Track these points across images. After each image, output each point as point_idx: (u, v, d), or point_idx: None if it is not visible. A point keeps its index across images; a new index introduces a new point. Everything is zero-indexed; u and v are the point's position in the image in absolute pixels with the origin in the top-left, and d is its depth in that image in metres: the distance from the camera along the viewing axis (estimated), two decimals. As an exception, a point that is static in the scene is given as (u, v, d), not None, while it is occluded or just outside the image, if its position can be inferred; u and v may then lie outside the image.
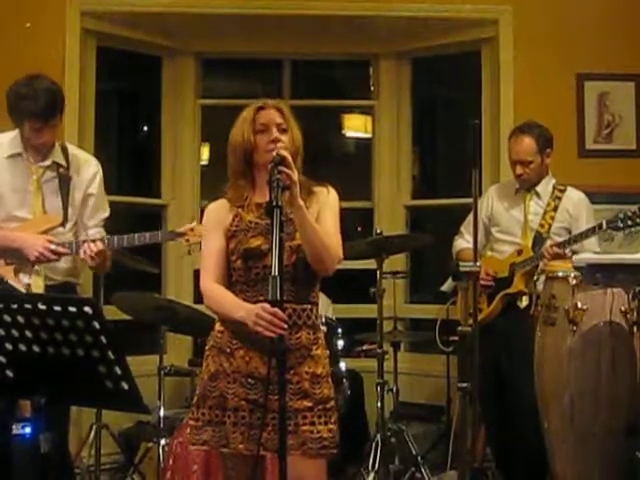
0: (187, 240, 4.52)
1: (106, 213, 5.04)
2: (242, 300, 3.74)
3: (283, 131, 3.80)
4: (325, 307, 5.79)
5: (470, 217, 5.56)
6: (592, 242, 5.31)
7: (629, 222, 4.96)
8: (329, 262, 3.70)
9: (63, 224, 4.85)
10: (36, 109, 4.69)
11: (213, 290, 3.81)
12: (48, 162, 4.90)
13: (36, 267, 4.75)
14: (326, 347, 3.92)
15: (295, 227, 3.72)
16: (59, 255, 4.69)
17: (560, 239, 5.42)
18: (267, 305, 3.34)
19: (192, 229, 4.48)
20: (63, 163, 4.93)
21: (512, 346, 5.06)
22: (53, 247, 4.66)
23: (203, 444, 3.86)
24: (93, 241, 4.69)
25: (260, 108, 3.86)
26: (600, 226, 5.15)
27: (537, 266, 5.29)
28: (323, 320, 4.50)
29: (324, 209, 3.83)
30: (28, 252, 4.65)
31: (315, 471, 3.71)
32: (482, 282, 5.35)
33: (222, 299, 3.78)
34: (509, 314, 5.45)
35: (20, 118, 4.76)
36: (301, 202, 3.54)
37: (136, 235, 4.64)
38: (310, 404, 3.68)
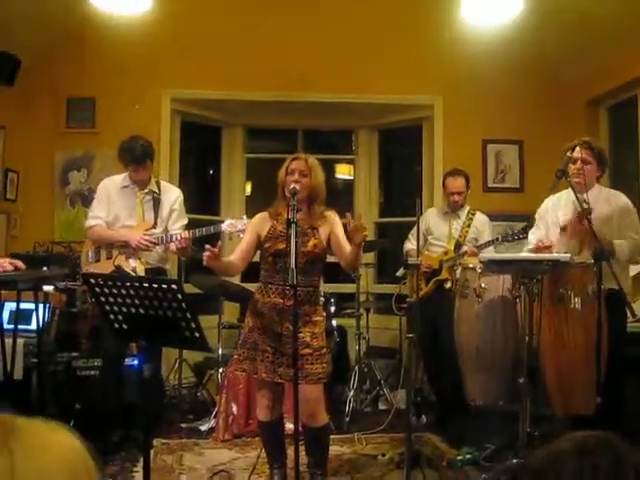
0: (229, 231, 4.56)
1: (185, 221, 5.07)
2: (266, 284, 3.78)
3: (304, 175, 3.78)
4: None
5: (414, 229, 5.58)
6: (491, 248, 5.32)
7: (514, 237, 5.05)
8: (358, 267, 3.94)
9: (154, 227, 4.89)
10: (132, 158, 4.77)
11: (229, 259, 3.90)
12: (147, 190, 4.96)
13: (138, 256, 4.79)
14: (323, 313, 3.93)
15: (308, 238, 3.73)
16: (150, 244, 4.76)
17: (471, 245, 5.45)
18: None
19: (232, 224, 4.51)
20: (157, 191, 4.98)
21: (441, 312, 5.05)
22: (146, 238, 4.75)
23: (243, 371, 3.91)
24: (181, 233, 4.79)
25: (294, 158, 3.87)
26: (497, 239, 5.26)
27: (456, 262, 5.30)
28: (322, 294, 4.46)
29: (336, 229, 3.87)
30: (131, 242, 4.75)
31: (314, 392, 3.71)
32: (424, 270, 5.37)
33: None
34: (439, 292, 5.43)
35: (125, 163, 4.86)
36: (361, 244, 3.62)
37: (204, 228, 4.73)
38: (310, 351, 3.69)
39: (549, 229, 4.45)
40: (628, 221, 4.23)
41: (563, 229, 4.28)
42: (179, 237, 4.72)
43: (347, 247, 3.76)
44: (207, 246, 3.64)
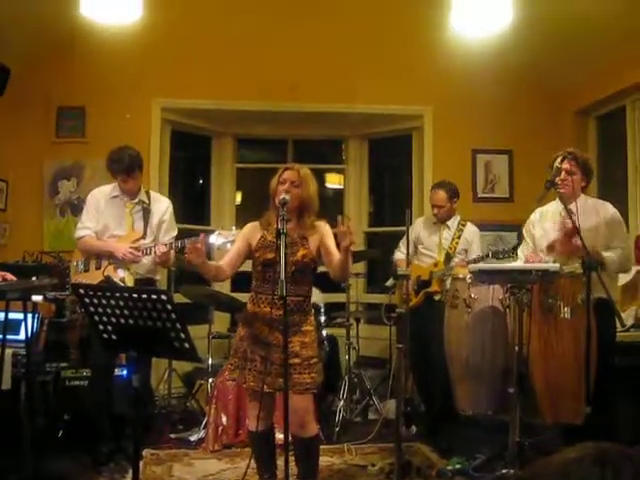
0: (217, 242, 4.53)
1: (174, 233, 5.05)
2: (257, 293, 3.77)
3: (295, 186, 3.78)
4: (317, 296, 5.75)
5: (405, 238, 5.59)
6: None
7: (505, 255, 5.09)
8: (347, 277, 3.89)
9: (144, 237, 4.88)
10: (120, 168, 4.78)
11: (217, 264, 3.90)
12: (136, 200, 4.96)
13: (127, 266, 4.78)
14: (314, 323, 3.91)
15: (297, 247, 3.73)
16: (136, 256, 4.74)
17: (461, 256, 5.51)
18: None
19: (220, 234, 4.48)
20: (146, 201, 4.98)
21: (430, 323, 5.05)
22: (131, 251, 4.72)
23: (233, 380, 3.91)
24: (159, 246, 4.77)
25: (286, 168, 3.87)
26: (488, 255, 5.28)
27: (446, 275, 5.32)
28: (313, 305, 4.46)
29: (326, 239, 3.84)
30: (117, 254, 4.74)
31: (302, 402, 3.68)
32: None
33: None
34: (428, 303, 5.44)
35: (113, 174, 4.87)
36: (351, 249, 3.59)
37: (186, 240, 4.57)
38: (299, 361, 3.68)
39: (536, 241, 4.46)
40: (616, 231, 4.25)
41: (550, 249, 4.28)
42: (158, 252, 4.72)
43: (337, 257, 3.75)
44: (188, 240, 3.62)
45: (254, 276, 3.86)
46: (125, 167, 4.80)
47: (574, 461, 1.21)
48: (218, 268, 3.85)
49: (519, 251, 4.65)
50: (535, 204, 4.49)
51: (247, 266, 3.99)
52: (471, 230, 5.67)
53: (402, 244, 5.79)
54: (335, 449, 5.05)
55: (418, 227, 5.78)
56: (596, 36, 5.69)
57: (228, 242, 4.31)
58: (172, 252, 4.80)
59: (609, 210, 4.31)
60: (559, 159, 4.25)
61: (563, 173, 4.23)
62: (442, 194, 5.57)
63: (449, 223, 5.65)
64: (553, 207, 4.38)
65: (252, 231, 3.93)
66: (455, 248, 5.57)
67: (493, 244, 6.66)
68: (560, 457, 1.24)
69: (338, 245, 3.73)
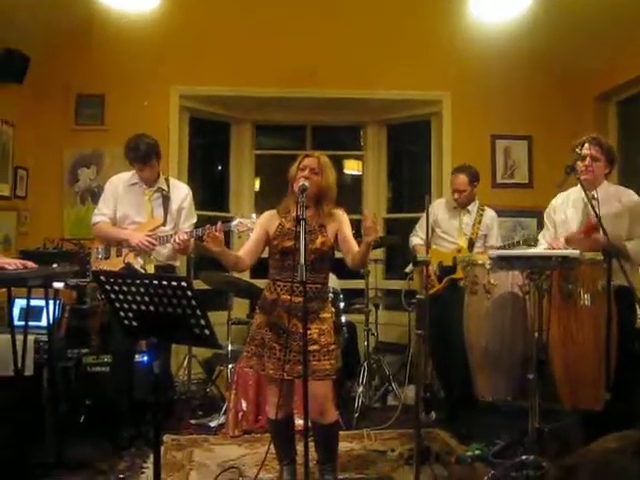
0: (238, 230, 4.53)
1: (194, 220, 5.07)
2: (275, 281, 3.78)
3: (315, 173, 3.78)
4: (333, 282, 5.75)
5: (422, 220, 5.60)
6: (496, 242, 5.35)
7: (531, 243, 4.96)
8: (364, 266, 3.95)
9: (164, 224, 4.91)
10: (137, 156, 4.79)
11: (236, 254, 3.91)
12: (155, 187, 4.97)
13: (148, 254, 4.82)
14: (332, 309, 3.92)
15: (316, 235, 3.73)
16: (151, 244, 4.76)
17: (482, 241, 5.48)
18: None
19: (241, 223, 4.48)
20: (165, 188, 5.00)
21: (452, 308, 5.00)
22: (147, 239, 4.76)
23: (251, 368, 3.91)
24: (180, 234, 4.78)
25: (306, 156, 3.87)
26: (519, 242, 5.17)
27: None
28: (331, 291, 4.46)
29: (344, 227, 3.87)
30: (132, 241, 4.78)
31: (322, 388, 3.70)
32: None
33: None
34: (452, 289, 5.39)
35: (130, 162, 4.89)
36: (372, 244, 3.64)
37: (206, 227, 4.52)
38: (317, 347, 3.69)
39: (558, 227, 4.43)
40: (638, 220, 4.18)
41: (568, 241, 4.23)
42: (176, 239, 4.73)
43: (354, 246, 3.77)
44: (207, 227, 3.62)
45: (271, 264, 3.86)
46: (141, 155, 4.81)
47: (615, 451, 1.21)
48: (238, 257, 3.85)
49: (540, 236, 4.62)
50: (555, 190, 4.45)
51: (266, 252, 3.99)
52: (490, 215, 5.64)
53: (419, 228, 5.76)
54: (354, 435, 5.07)
55: (437, 210, 5.70)
56: (616, 20, 5.62)
57: (248, 231, 4.33)
58: (192, 240, 4.81)
59: (632, 198, 4.25)
60: (582, 145, 4.18)
61: (587, 159, 4.16)
62: (463, 178, 5.54)
63: (469, 208, 5.61)
64: (576, 193, 4.31)
65: (269, 219, 3.92)
66: (477, 234, 5.54)
67: (512, 230, 6.65)
68: (600, 446, 1.24)
69: (356, 234, 3.73)
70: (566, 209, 4.40)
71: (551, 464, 3.71)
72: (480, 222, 5.56)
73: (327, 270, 3.87)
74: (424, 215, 4.89)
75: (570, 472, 1.27)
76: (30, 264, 3.97)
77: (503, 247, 5.30)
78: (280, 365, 3.68)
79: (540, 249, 4.44)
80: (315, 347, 3.67)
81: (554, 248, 4.17)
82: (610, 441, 1.25)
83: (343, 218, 3.89)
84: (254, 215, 4.44)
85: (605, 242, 3.80)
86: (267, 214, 3.97)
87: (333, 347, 3.77)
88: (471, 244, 5.50)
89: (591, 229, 3.96)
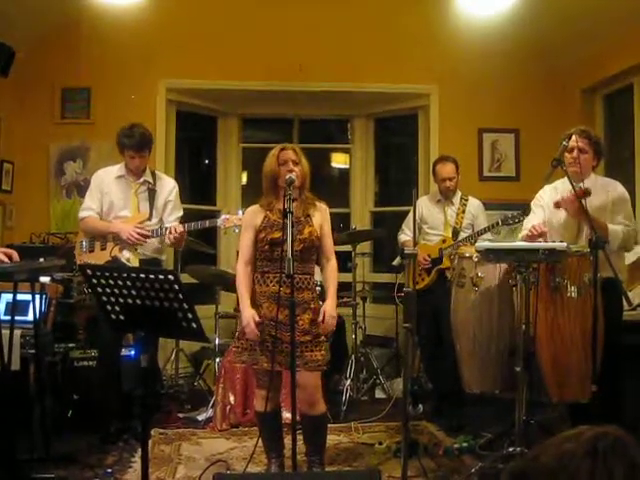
0: (224, 226, 4.55)
1: (180, 213, 5.06)
2: (263, 273, 3.78)
3: (296, 164, 3.81)
4: (317, 274, 5.74)
5: (408, 217, 5.59)
6: (488, 234, 5.32)
7: (514, 220, 4.96)
8: None
9: (149, 219, 4.90)
10: (131, 143, 4.77)
11: (240, 273, 3.86)
12: (141, 180, 4.98)
13: (134, 247, 4.81)
14: (319, 302, 3.94)
15: (303, 225, 3.76)
16: (143, 237, 4.76)
17: (468, 231, 5.47)
18: None
19: (227, 219, 4.49)
20: (151, 181, 4.99)
21: (442, 301, 4.99)
22: (138, 231, 4.75)
23: (242, 363, 3.91)
24: (176, 226, 4.77)
25: (282, 149, 3.89)
26: (498, 223, 5.20)
27: (456, 250, 5.26)
28: (318, 283, 4.47)
29: (325, 225, 3.93)
30: (122, 235, 4.76)
31: (313, 379, 3.73)
32: (422, 264, 5.39)
33: (242, 284, 3.83)
34: (442, 281, 5.36)
35: (122, 149, 4.87)
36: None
37: (199, 222, 4.73)
38: (309, 338, 3.72)
39: (549, 214, 4.41)
40: (621, 209, 4.20)
41: (556, 205, 4.24)
42: (173, 230, 4.71)
43: (328, 248, 3.98)
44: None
45: (259, 256, 3.86)
46: (136, 142, 4.81)
47: (567, 455, 1.19)
48: (252, 285, 3.87)
49: (525, 221, 4.60)
50: (542, 183, 4.45)
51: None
52: (475, 204, 5.63)
53: (405, 226, 5.75)
54: (342, 427, 5.08)
55: (421, 207, 5.67)
56: (603, 13, 5.63)
57: (235, 227, 4.34)
58: (186, 233, 4.82)
59: (617, 189, 4.27)
60: (570, 137, 4.18)
61: (575, 151, 4.16)
62: (452, 166, 5.53)
63: (453, 200, 5.60)
64: (565, 184, 4.30)
65: (254, 215, 3.92)
66: (461, 223, 5.52)
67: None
68: (553, 449, 1.21)
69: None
70: (555, 196, 4.37)
71: (502, 468, 3.73)
72: (464, 212, 5.55)
73: (314, 261, 3.92)
74: (411, 212, 4.89)
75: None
76: (15, 256, 3.91)
77: (484, 230, 5.31)
78: (273, 357, 3.68)
79: (523, 233, 4.42)
80: (307, 337, 3.70)
81: (534, 234, 4.15)
82: (563, 441, 1.23)
83: (326, 215, 3.96)
84: (240, 211, 4.45)
85: (590, 214, 3.80)
86: (251, 210, 3.97)
87: (323, 338, 3.81)
88: (455, 233, 5.49)
89: (582, 194, 3.93)
